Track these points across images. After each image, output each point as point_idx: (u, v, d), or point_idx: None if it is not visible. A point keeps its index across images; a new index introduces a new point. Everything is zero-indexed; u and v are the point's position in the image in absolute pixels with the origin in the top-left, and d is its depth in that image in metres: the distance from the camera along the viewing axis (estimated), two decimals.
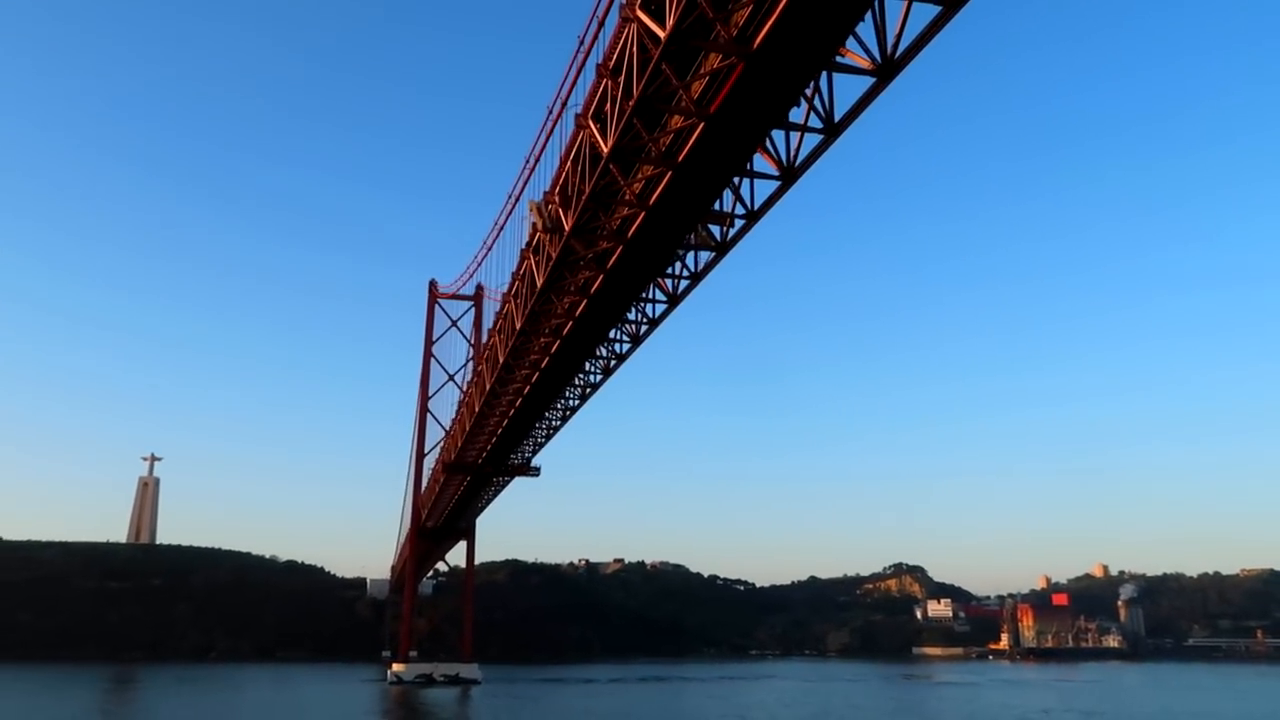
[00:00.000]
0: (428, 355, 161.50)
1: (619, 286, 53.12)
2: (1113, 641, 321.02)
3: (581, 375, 72.14)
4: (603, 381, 71.27)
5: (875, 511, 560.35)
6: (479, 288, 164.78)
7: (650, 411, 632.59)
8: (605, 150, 38.07)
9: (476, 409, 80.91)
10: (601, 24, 39.85)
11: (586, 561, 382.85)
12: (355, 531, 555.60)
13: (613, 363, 67.51)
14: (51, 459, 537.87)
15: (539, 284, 52.99)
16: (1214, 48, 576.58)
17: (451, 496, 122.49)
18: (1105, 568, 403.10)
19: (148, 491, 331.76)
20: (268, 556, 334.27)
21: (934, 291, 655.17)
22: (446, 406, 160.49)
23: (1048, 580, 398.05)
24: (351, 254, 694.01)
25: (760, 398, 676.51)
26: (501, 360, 66.40)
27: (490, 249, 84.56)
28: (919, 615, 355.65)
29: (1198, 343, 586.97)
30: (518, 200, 62.08)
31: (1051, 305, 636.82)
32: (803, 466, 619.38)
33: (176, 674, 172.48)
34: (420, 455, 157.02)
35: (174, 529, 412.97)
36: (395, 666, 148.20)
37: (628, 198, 42.69)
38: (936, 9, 29.45)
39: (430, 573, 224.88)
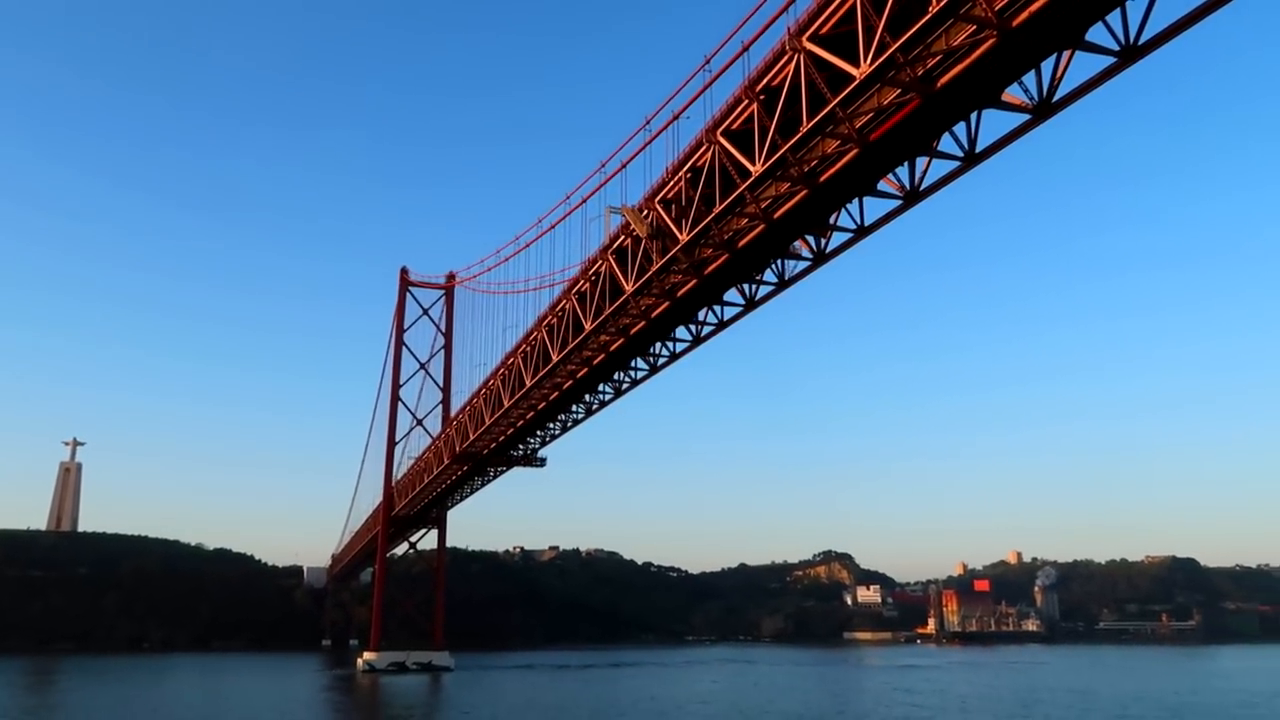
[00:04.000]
0: (399, 343, 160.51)
1: (704, 290, 55.58)
2: (1031, 625, 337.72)
3: (622, 371, 74.27)
4: (645, 379, 73.55)
5: (801, 500, 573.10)
6: (450, 276, 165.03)
7: None
8: (755, 170, 40.48)
9: (506, 402, 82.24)
10: (746, 48, 42.16)
11: (521, 549, 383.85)
12: (286, 520, 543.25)
13: (660, 360, 69.80)
14: None
15: (627, 287, 54.94)
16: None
17: (439, 485, 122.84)
18: (1019, 555, 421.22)
19: (69, 477, 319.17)
20: (194, 544, 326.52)
21: (853, 283, 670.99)
22: (411, 395, 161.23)
23: (964, 567, 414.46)
24: (290, 244, 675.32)
25: (688, 387, 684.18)
26: (556, 357, 68.01)
27: (524, 247, 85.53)
28: (849, 601, 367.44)
29: (1107, 331, 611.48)
30: (585, 201, 63.73)
31: (969, 293, 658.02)
32: (730, 454, 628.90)
33: (109, 666, 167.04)
34: (391, 442, 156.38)
35: (94, 516, 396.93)
36: (367, 655, 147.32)
37: (750, 211, 45.21)
38: (1110, 59, 32.85)
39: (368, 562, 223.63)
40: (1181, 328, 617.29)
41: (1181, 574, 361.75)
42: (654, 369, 71.07)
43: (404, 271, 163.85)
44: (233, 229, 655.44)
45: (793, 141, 37.93)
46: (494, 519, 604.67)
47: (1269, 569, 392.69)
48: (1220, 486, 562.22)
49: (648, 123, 52.47)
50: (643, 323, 60.23)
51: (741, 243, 48.11)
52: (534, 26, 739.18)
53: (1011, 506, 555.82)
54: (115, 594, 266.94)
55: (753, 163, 40.69)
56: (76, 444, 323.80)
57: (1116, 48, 31.98)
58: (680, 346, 66.67)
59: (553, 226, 71.78)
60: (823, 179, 41.32)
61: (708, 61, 45.70)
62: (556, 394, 78.25)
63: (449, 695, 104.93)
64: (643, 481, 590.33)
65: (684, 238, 47.51)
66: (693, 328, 63.30)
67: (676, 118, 49.12)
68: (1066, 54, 33.87)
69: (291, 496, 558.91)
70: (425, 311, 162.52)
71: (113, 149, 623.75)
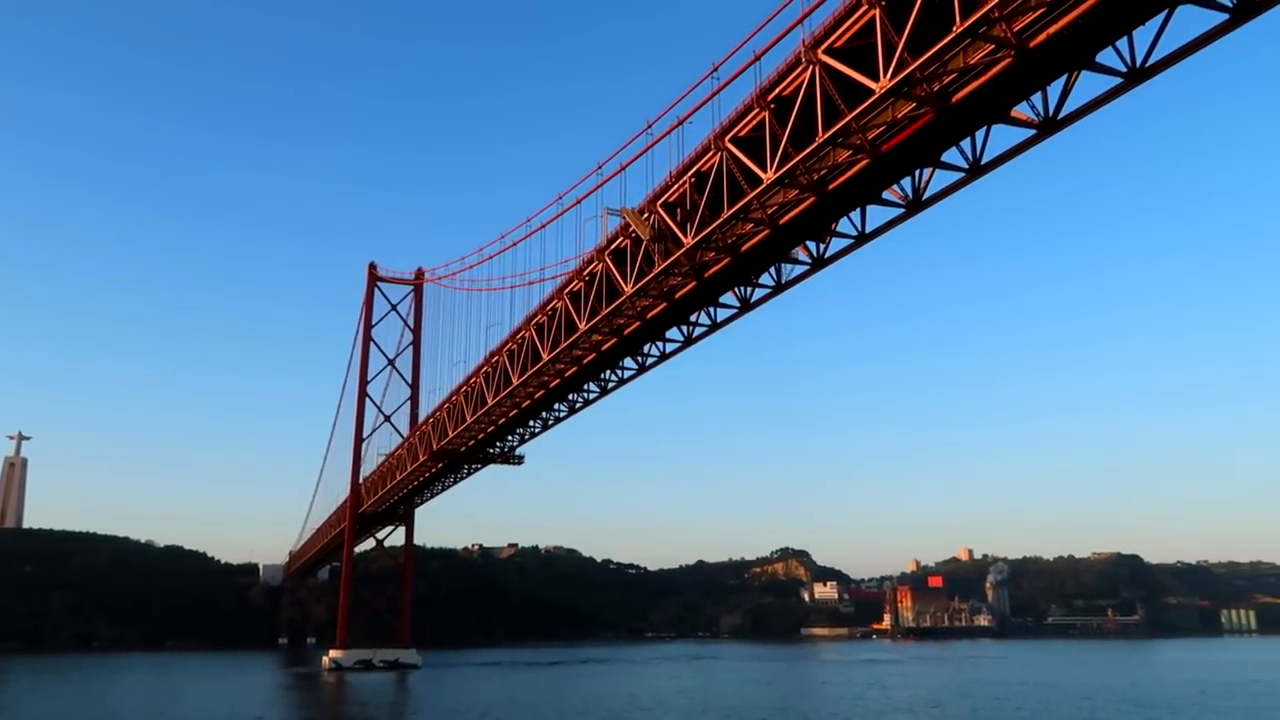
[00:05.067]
0: (367, 339, 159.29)
1: (702, 293, 56.54)
2: (983, 621, 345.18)
3: (610, 370, 74.92)
4: (633, 378, 74.35)
5: (759, 497, 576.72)
6: (419, 271, 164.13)
7: None
8: (767, 178, 41.45)
9: (490, 399, 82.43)
10: (758, 57, 43.11)
11: (480, 546, 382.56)
12: (240, 517, 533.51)
13: (650, 360, 70.65)
14: None
15: (625, 288, 55.67)
16: None
17: (411, 482, 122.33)
18: (971, 551, 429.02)
19: (14, 472, 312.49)
20: (144, 541, 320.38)
21: (818, 283, 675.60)
22: (377, 392, 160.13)
23: (918, 564, 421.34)
24: (259, 240, 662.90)
25: (650, 385, 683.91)
26: (546, 356, 68.49)
27: (513, 245, 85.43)
28: (806, 597, 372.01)
29: (1057, 334, 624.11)
30: (579, 202, 64.28)
31: (925, 295, 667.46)
32: (688, 452, 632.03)
33: (58, 665, 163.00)
34: (359, 438, 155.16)
35: (40, 512, 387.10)
36: (333, 652, 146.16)
37: (756, 216, 46.23)
38: (1116, 80, 34.40)
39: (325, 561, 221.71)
40: (1129, 330, 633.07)
41: (1126, 570, 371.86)
42: (642, 368, 71.96)
43: (372, 266, 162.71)
44: (199, 225, 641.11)
45: (807, 151, 38.98)
46: (453, 516, 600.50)
47: (1208, 565, 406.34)
48: (1163, 486, 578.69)
49: (649, 126, 53.26)
50: (637, 323, 61.03)
51: (745, 247, 49.16)
52: (525, 26, 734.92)
53: (963, 504, 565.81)
54: (63, 592, 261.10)
55: (763, 170, 41.68)
56: (22, 438, 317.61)
57: (1124, 69, 33.56)
58: (671, 347, 67.66)
59: (543, 226, 72.20)
60: (831, 187, 42.50)
61: (715, 69, 46.61)
62: (542, 392, 78.71)
63: (425, 694, 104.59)
64: (601, 479, 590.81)
65: (689, 241, 48.32)
66: (684, 328, 64.25)
67: (681, 123, 49.92)
68: (1074, 74, 35.48)
69: (246, 494, 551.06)
70: (394, 307, 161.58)
71: (70, 149, 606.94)
